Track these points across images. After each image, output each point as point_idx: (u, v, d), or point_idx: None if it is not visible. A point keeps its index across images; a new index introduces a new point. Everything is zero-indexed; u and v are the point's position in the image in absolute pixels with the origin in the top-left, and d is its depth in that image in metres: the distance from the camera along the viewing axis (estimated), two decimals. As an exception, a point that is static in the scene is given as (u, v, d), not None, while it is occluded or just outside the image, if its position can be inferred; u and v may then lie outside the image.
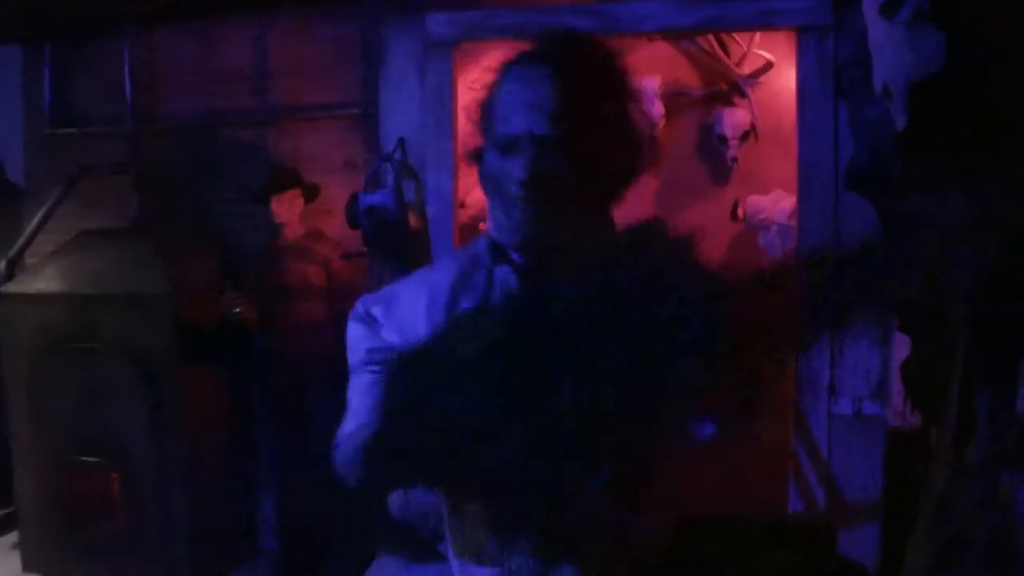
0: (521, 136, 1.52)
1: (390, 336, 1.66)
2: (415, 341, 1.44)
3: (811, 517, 4.25)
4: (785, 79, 5.06)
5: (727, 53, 5.43)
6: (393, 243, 4.13)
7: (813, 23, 4.24)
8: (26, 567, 4.89)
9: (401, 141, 4.48)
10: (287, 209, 4.84)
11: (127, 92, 5.09)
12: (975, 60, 1.86)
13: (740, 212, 5.36)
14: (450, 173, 4.70)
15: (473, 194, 5.48)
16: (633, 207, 5.07)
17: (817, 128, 4.27)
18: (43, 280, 4.78)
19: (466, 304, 1.60)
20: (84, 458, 4.67)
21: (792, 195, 4.59)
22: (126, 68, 5.07)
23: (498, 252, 1.62)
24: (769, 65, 5.36)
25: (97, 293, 4.64)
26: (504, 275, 1.61)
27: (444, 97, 4.70)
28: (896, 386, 3.85)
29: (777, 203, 5.22)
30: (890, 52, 2.12)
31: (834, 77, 4.19)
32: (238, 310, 4.76)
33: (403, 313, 1.67)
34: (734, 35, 5.35)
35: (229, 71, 5.27)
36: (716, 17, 4.39)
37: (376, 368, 1.46)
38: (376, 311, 1.71)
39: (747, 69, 5.42)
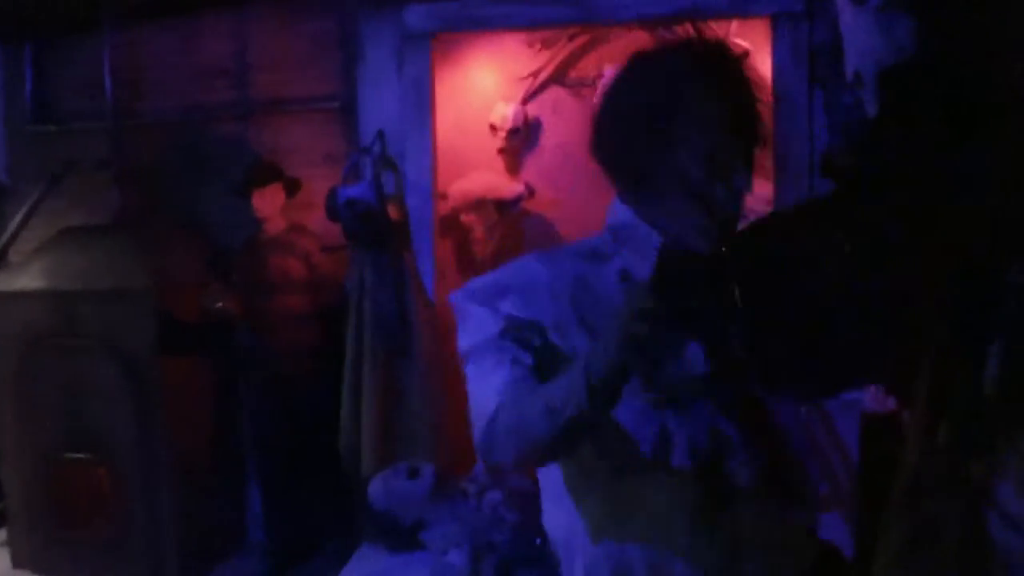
0: (737, 151, 1.57)
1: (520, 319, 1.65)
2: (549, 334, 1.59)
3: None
4: (761, 67, 5.08)
5: (704, 41, 5.45)
6: (373, 235, 4.15)
7: (787, 10, 4.27)
8: (15, 563, 4.90)
9: (380, 134, 4.50)
10: (268, 203, 4.85)
11: (108, 88, 5.07)
12: (946, 46, 1.87)
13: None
14: (429, 165, 4.72)
15: (454, 185, 5.49)
16: (615, 194, 5.03)
17: (792, 115, 4.30)
18: (27, 277, 4.78)
19: (605, 307, 1.61)
20: (71, 454, 4.68)
21: (770, 182, 4.62)
22: (106, 64, 5.05)
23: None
24: (745, 53, 5.37)
25: (81, 289, 4.65)
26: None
27: (422, 89, 4.72)
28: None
29: (755, 191, 5.24)
30: (860, 39, 2.14)
31: (808, 64, 4.22)
32: (221, 304, 4.77)
33: (545, 307, 1.65)
34: (711, 23, 5.37)
35: (209, 66, 5.27)
36: (692, 6, 4.41)
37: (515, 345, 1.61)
38: (503, 303, 1.67)
39: (724, 57, 5.44)
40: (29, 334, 4.71)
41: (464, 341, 1.69)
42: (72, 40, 5.39)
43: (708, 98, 1.56)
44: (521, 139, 5.70)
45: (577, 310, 1.62)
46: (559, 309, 1.63)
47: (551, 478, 1.71)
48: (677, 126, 1.55)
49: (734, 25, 5.27)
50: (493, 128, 5.64)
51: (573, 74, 5.81)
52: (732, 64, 1.60)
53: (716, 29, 5.35)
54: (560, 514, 1.69)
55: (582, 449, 1.60)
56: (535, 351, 1.62)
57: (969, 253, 1.80)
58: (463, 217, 5.60)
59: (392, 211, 4.24)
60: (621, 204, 1.68)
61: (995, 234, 1.78)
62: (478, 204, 5.55)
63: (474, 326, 1.67)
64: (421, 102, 4.72)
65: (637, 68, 1.63)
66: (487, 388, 1.61)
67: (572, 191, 5.66)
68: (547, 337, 1.62)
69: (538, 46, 5.65)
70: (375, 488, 3.47)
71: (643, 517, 1.58)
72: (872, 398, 3.89)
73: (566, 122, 5.80)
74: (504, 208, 5.60)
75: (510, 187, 5.65)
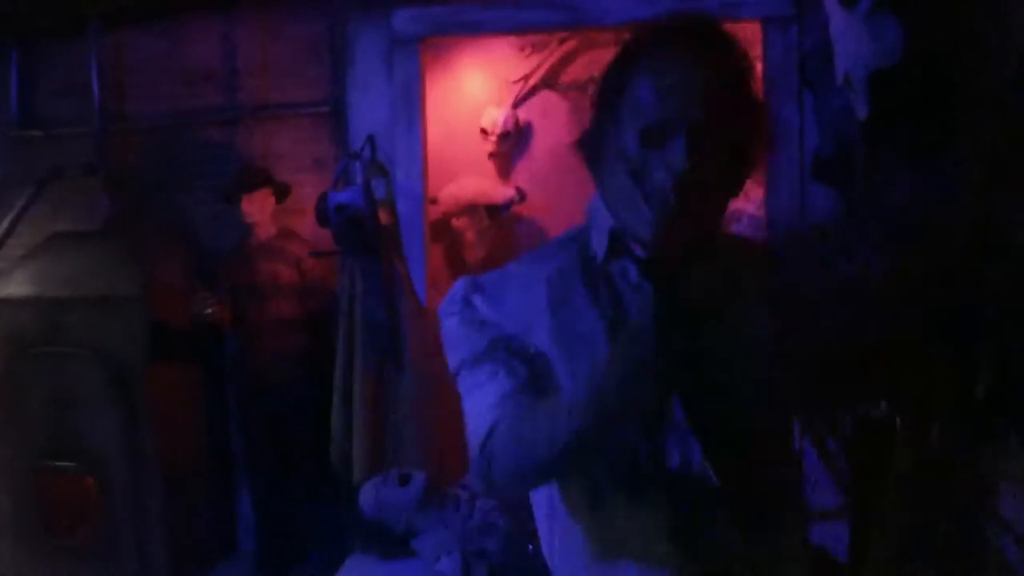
0: (674, 123, 1.41)
1: (504, 327, 1.59)
2: (530, 336, 1.55)
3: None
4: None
5: (694, 45, 5.45)
6: (363, 240, 4.14)
7: (777, 14, 4.27)
8: (2, 572, 4.87)
9: (370, 138, 4.48)
10: (258, 208, 4.84)
11: (95, 93, 5.05)
12: (934, 49, 1.88)
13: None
14: (420, 170, 4.71)
15: (445, 190, 5.49)
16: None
17: (783, 118, 4.30)
18: (13, 284, 4.75)
19: (580, 297, 1.56)
20: (58, 463, 4.65)
21: (761, 185, 4.61)
22: (93, 69, 5.03)
23: (616, 244, 1.54)
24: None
25: (68, 296, 4.62)
26: (622, 269, 1.56)
27: (412, 93, 4.71)
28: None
29: (747, 194, 5.24)
30: (850, 42, 2.15)
31: (799, 68, 4.22)
32: (210, 310, 4.75)
33: (512, 306, 1.60)
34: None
35: (197, 70, 5.24)
36: (681, 10, 4.39)
37: (500, 357, 1.55)
38: (478, 303, 1.62)
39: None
40: (16, 341, 4.68)
41: (452, 357, 1.63)
42: (58, 45, 5.36)
43: (656, 69, 1.44)
44: (512, 143, 5.70)
45: (551, 299, 1.57)
46: (529, 301, 1.59)
47: (542, 493, 1.66)
48: (622, 98, 1.46)
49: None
50: (483, 132, 5.64)
51: (563, 78, 5.80)
52: (701, 42, 1.47)
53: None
54: (553, 530, 1.65)
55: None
56: (529, 359, 1.55)
57: (956, 258, 1.81)
58: (454, 222, 5.59)
59: (382, 216, 4.22)
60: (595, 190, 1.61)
61: (978, 235, 1.79)
62: (469, 209, 5.55)
63: (457, 340, 1.62)
64: (411, 107, 4.71)
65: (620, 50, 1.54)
66: (481, 405, 1.54)
67: (563, 195, 5.65)
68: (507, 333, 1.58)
69: (528, 50, 5.65)
70: (365, 495, 3.46)
71: (636, 534, 1.52)
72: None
73: (557, 126, 5.80)
74: (495, 212, 5.60)
75: (501, 191, 5.65)
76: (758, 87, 1.50)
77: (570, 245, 1.63)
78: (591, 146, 1.52)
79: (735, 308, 1.45)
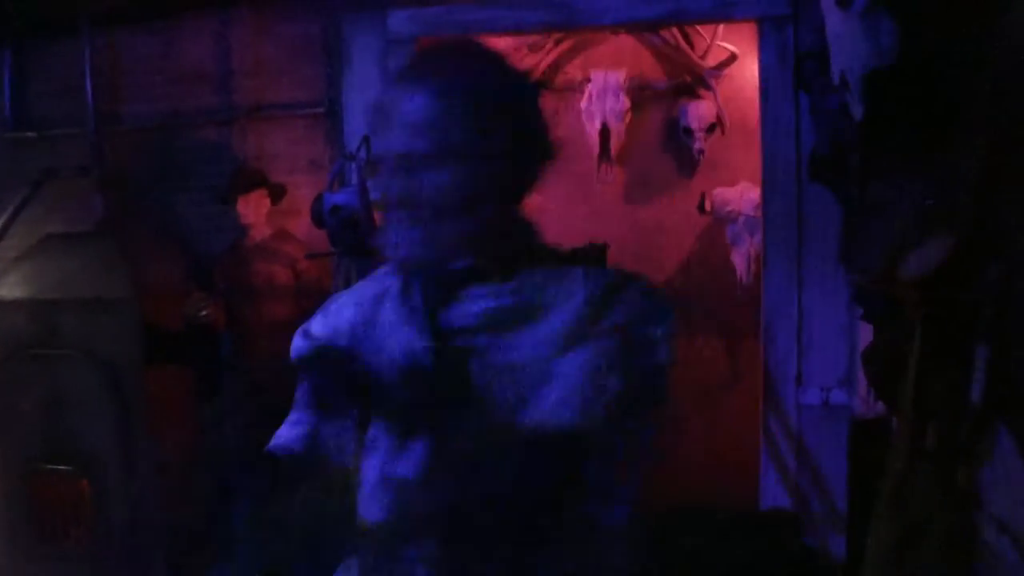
0: (386, 155, 1.55)
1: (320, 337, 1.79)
2: (336, 352, 1.72)
3: (779, 507, 4.27)
4: (749, 71, 5.08)
5: (691, 46, 5.45)
6: (359, 242, 4.12)
7: (772, 14, 4.26)
8: (5, 571, 4.87)
9: (365, 139, 4.47)
10: (253, 210, 4.83)
11: (88, 94, 5.04)
12: (930, 49, 1.87)
13: (707, 204, 5.38)
14: (415, 170, 4.69)
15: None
16: (602, 199, 5.07)
17: (779, 119, 4.29)
18: (7, 286, 4.74)
19: (384, 314, 1.70)
20: (51, 465, 4.64)
21: (758, 186, 4.61)
22: (87, 70, 5.02)
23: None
24: (733, 57, 5.38)
25: (62, 298, 4.61)
26: (410, 286, 1.67)
27: (407, 94, 4.70)
28: (861, 375, 3.87)
29: (743, 195, 5.24)
30: (846, 42, 2.14)
31: (795, 68, 4.22)
32: (205, 312, 4.74)
33: (333, 320, 1.79)
34: (697, 28, 5.37)
35: (191, 71, 5.24)
36: (677, 9, 4.40)
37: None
38: (315, 323, 1.85)
39: (711, 62, 5.44)
40: (9, 343, 4.67)
41: None
42: (52, 45, 5.36)
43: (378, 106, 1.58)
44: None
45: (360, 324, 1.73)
46: (356, 315, 1.74)
47: None
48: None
49: (720, 29, 5.27)
50: (479, 133, 5.63)
51: (559, 79, 5.79)
52: (420, 76, 1.58)
53: (703, 33, 5.37)
54: None
55: None
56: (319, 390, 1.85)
57: (953, 258, 1.80)
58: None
59: (378, 217, 4.21)
60: None
61: (974, 235, 1.78)
62: (464, 210, 5.54)
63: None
64: (406, 107, 4.70)
65: None
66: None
67: (556, 195, 5.64)
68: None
69: (524, 50, 5.63)
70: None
71: None
72: (862, 403, 3.88)
73: (552, 127, 5.78)
74: (490, 213, 5.59)
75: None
76: (522, 101, 1.68)
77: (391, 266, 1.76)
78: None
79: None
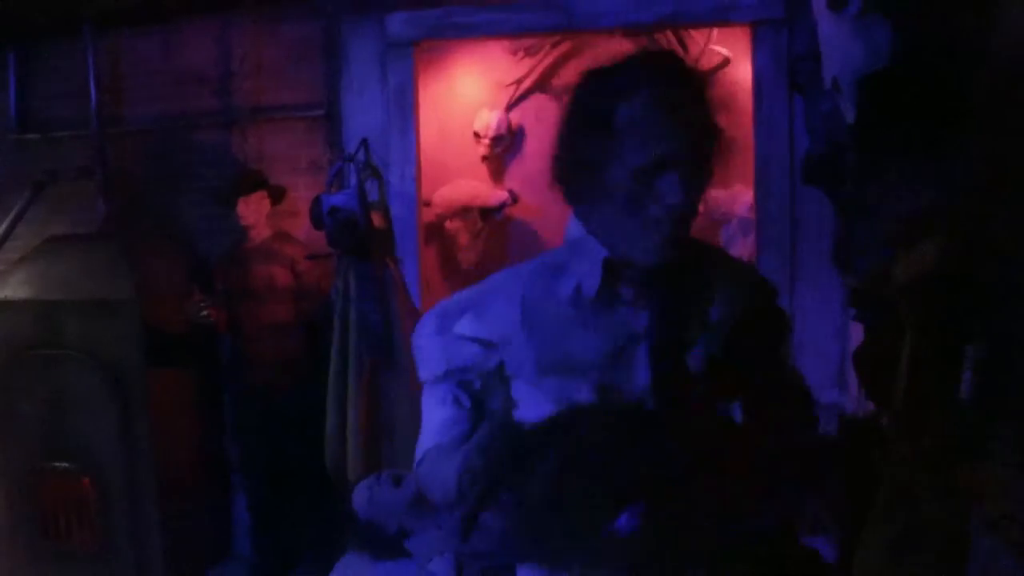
0: (667, 162, 1.52)
1: (484, 343, 1.68)
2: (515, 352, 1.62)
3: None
4: (743, 74, 5.11)
5: (685, 50, 5.48)
6: (357, 243, 4.15)
7: (766, 18, 4.30)
8: (6, 570, 4.88)
9: (364, 141, 4.49)
10: (253, 211, 4.84)
11: (92, 97, 5.06)
12: (923, 52, 1.89)
13: (701, 207, 5.40)
14: (413, 172, 4.73)
15: (438, 193, 5.51)
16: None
17: (773, 122, 4.33)
18: (10, 287, 4.76)
19: (566, 325, 1.63)
20: (54, 465, 4.66)
21: (751, 188, 4.64)
22: (91, 72, 5.04)
23: (611, 273, 1.62)
24: (726, 61, 5.41)
25: (64, 299, 4.63)
26: (617, 295, 1.64)
27: (406, 96, 4.74)
28: (853, 374, 3.90)
29: (737, 197, 5.28)
30: (839, 45, 2.16)
31: (788, 71, 4.25)
32: (205, 313, 4.77)
33: (495, 324, 1.68)
34: (691, 31, 5.40)
35: (192, 74, 5.26)
36: (673, 13, 4.43)
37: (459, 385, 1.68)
38: (458, 323, 1.72)
39: (705, 65, 5.47)
40: (12, 344, 4.69)
41: (419, 374, 1.77)
42: (55, 49, 5.38)
43: (644, 113, 1.54)
44: (505, 146, 5.72)
45: (525, 326, 1.64)
46: (509, 324, 1.66)
47: None
48: (610, 141, 1.56)
49: (715, 33, 5.30)
50: (477, 135, 5.67)
51: (556, 82, 5.83)
52: (678, 80, 1.59)
53: (697, 37, 5.40)
54: None
55: None
56: (474, 393, 1.69)
57: (944, 258, 1.83)
58: (447, 224, 5.62)
59: (376, 219, 4.24)
60: (574, 219, 1.73)
61: (968, 237, 1.81)
62: (462, 211, 5.58)
63: (424, 359, 1.75)
64: (405, 109, 4.73)
65: (585, 85, 1.66)
66: (426, 425, 1.74)
67: (555, 198, 5.66)
68: (494, 354, 1.66)
69: (521, 54, 5.67)
70: (359, 496, 3.47)
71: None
72: (854, 402, 3.91)
73: (549, 129, 5.75)
74: (488, 215, 5.62)
75: (494, 194, 5.67)
76: (716, 120, 1.59)
77: (550, 270, 1.71)
78: (572, 180, 1.67)
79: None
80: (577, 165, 1.64)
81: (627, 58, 1.63)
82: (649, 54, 1.67)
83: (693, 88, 1.58)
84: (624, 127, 1.54)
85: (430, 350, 1.74)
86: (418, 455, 1.73)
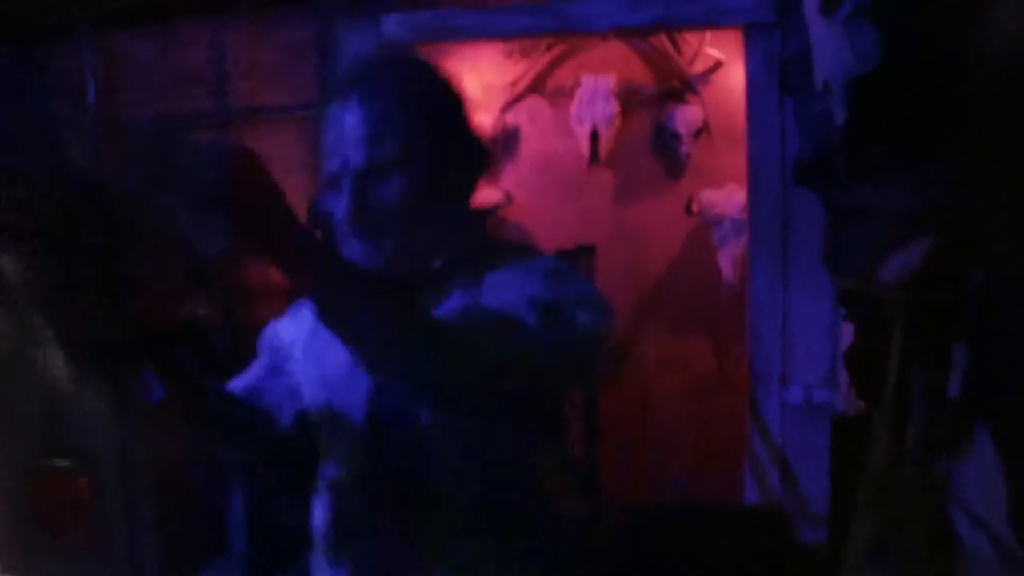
0: (339, 171, 1.59)
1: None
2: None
3: (766, 504, 4.33)
4: (735, 76, 5.15)
5: (679, 52, 5.51)
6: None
7: (758, 21, 4.32)
8: (3, 568, 4.89)
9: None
10: (249, 210, 4.85)
11: (91, 96, 5.07)
12: (913, 55, 1.92)
13: (694, 207, 5.45)
14: (408, 173, 4.74)
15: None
16: (591, 202, 5.14)
17: (765, 124, 4.36)
18: (5, 286, 4.76)
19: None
20: (50, 462, 4.67)
21: (744, 189, 4.67)
22: (89, 72, 5.05)
23: None
24: (719, 63, 5.45)
25: (59, 297, 4.63)
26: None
27: (401, 98, 4.74)
28: (844, 374, 3.93)
29: (730, 198, 5.31)
30: (829, 48, 2.19)
31: (780, 74, 4.28)
32: (202, 312, 4.77)
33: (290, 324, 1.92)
34: (685, 34, 5.43)
35: (187, 74, 5.27)
36: (665, 16, 4.45)
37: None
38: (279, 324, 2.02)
39: (698, 67, 5.51)
40: (8, 340, 4.69)
41: None
42: (51, 48, 5.39)
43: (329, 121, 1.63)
44: (499, 148, 5.74)
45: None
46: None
47: None
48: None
49: (708, 36, 5.33)
50: (471, 137, 5.68)
51: (550, 83, 5.85)
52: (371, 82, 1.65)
53: (691, 39, 5.44)
54: None
55: None
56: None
57: (933, 259, 1.85)
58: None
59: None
60: None
61: (956, 237, 1.84)
62: (456, 212, 5.59)
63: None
64: (399, 111, 4.74)
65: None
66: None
67: (549, 199, 5.70)
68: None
69: (515, 56, 5.69)
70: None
71: None
72: (845, 401, 3.94)
73: (543, 131, 5.85)
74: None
75: (488, 195, 5.69)
76: (458, 109, 1.73)
77: None
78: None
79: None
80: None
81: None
82: (359, 60, 1.80)
83: (387, 89, 1.63)
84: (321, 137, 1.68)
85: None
86: None
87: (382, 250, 1.61)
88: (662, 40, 5.52)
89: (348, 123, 1.58)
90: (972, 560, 1.74)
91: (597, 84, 5.56)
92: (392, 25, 4.69)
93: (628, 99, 5.71)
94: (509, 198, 5.67)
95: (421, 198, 1.60)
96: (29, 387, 4.66)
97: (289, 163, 5.09)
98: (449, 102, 1.72)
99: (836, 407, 4.09)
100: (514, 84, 5.77)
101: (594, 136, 5.59)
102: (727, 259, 5.51)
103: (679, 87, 5.68)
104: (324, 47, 4.99)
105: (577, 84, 5.64)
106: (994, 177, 1.76)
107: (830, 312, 4.23)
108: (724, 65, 5.44)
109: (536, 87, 5.83)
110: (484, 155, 1.74)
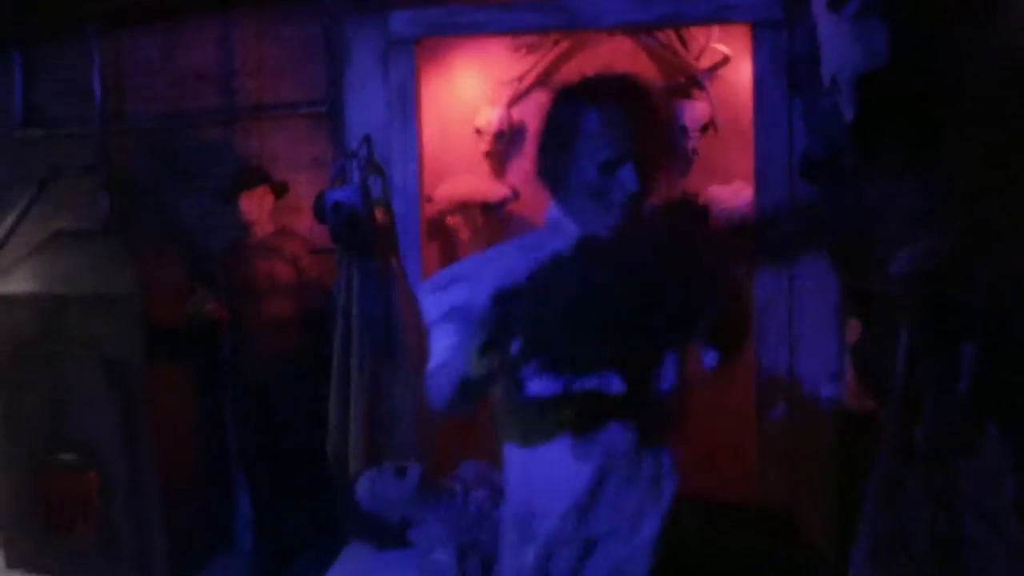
0: (623, 157, 1.99)
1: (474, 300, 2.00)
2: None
3: (773, 501, 4.32)
4: (742, 72, 5.13)
5: (686, 48, 5.50)
6: (360, 239, 4.17)
7: (766, 18, 4.32)
8: (9, 564, 4.91)
9: (366, 138, 4.51)
10: (256, 206, 4.87)
11: (97, 94, 5.08)
12: (921, 53, 1.91)
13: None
14: (415, 169, 4.75)
15: (440, 189, 5.52)
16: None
17: (772, 120, 4.36)
18: (14, 282, 4.79)
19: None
20: (57, 459, 4.68)
21: (751, 186, 4.67)
22: (95, 71, 5.06)
23: (581, 245, 1.91)
24: (726, 59, 5.43)
25: (67, 294, 4.65)
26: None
27: (408, 94, 4.75)
28: (850, 371, 3.93)
29: (737, 194, 5.29)
30: (837, 46, 2.19)
31: (787, 70, 4.27)
32: (208, 308, 4.78)
33: (483, 292, 1.94)
34: (692, 30, 5.42)
35: (195, 72, 5.29)
36: (673, 12, 4.46)
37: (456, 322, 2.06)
38: (455, 285, 2.16)
39: (705, 63, 5.49)
40: (16, 338, 4.71)
41: (425, 322, 2.20)
42: (60, 46, 5.40)
43: (600, 123, 2.01)
44: (506, 143, 5.73)
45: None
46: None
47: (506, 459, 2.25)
48: (577, 144, 2.02)
49: (716, 32, 5.32)
50: (478, 132, 5.68)
51: (557, 79, 5.83)
52: (624, 97, 2.04)
53: (698, 35, 5.42)
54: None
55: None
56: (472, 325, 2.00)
57: (941, 257, 1.85)
58: (449, 220, 5.63)
59: (378, 215, 4.26)
60: (553, 204, 2.18)
61: (964, 235, 1.83)
62: (464, 207, 5.59)
63: (427, 310, 2.19)
64: (407, 107, 4.75)
65: (554, 101, 2.12)
66: (432, 356, 2.13)
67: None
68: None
69: (523, 51, 5.68)
70: (361, 488, 3.50)
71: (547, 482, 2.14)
72: (852, 398, 3.94)
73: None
74: (489, 211, 5.63)
75: (495, 190, 5.68)
76: (667, 123, 2.16)
77: (528, 248, 2.09)
78: (551, 174, 2.12)
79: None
80: (551, 163, 2.10)
81: (582, 82, 2.11)
82: (598, 79, 2.11)
83: (636, 104, 2.05)
84: (585, 133, 2.02)
85: (431, 302, 2.18)
86: (426, 379, 2.10)
87: (633, 214, 2.04)
88: (669, 36, 5.50)
89: (628, 123, 2.03)
90: (983, 560, 1.74)
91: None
92: (400, 21, 4.70)
93: (635, 95, 5.69)
94: (516, 193, 5.66)
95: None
96: (35, 384, 4.68)
97: (297, 159, 5.11)
98: (664, 119, 2.34)
99: (843, 403, 4.09)
100: (521, 79, 5.76)
101: (601, 132, 5.57)
102: (734, 255, 5.49)
103: (685, 83, 5.66)
104: (332, 44, 5.00)
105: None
106: (1002, 175, 1.76)
107: (836, 309, 4.23)
108: (731, 61, 5.43)
109: (543, 82, 5.81)
110: (670, 163, 2.39)
